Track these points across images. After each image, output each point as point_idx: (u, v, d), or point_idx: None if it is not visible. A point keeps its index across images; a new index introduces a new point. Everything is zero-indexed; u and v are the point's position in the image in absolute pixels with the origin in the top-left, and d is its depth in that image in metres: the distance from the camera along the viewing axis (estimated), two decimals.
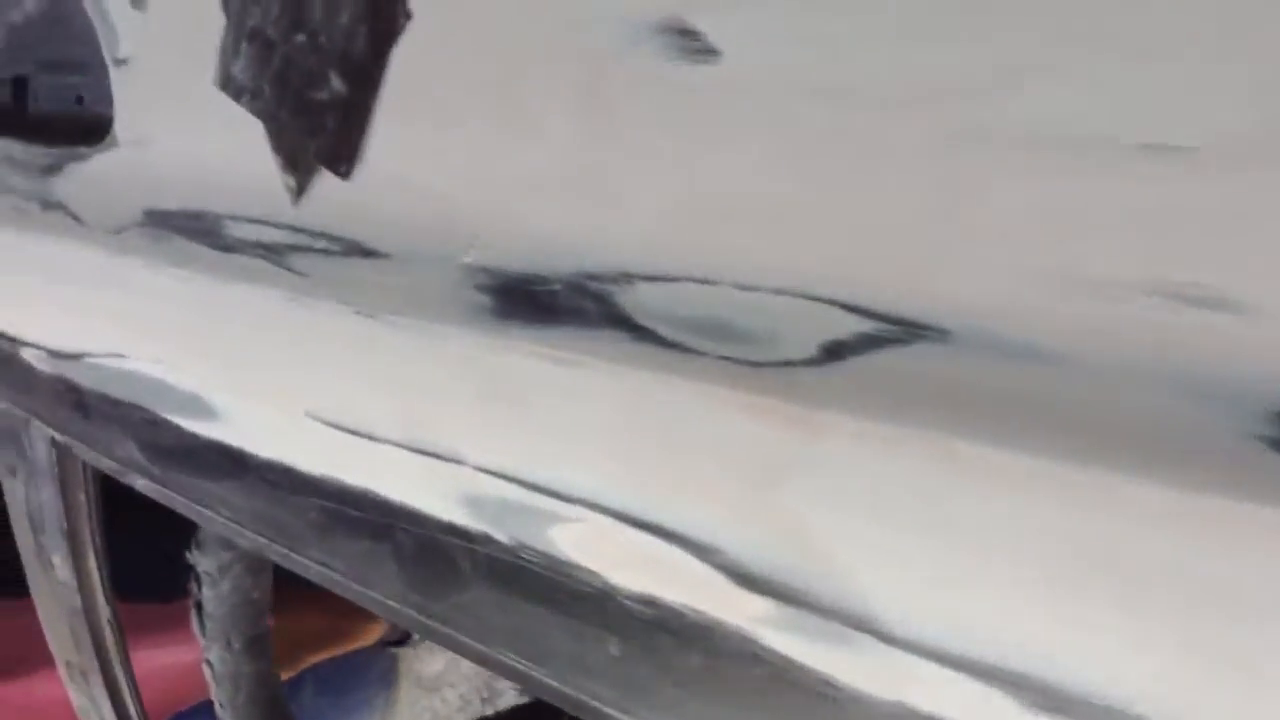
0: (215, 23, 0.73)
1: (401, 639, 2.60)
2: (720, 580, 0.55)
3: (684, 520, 0.55)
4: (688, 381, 0.52)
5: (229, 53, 0.72)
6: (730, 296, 0.50)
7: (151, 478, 1.03)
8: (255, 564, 1.23)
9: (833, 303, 0.46)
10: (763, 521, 0.52)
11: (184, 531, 1.49)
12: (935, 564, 0.47)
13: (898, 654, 0.49)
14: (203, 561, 1.21)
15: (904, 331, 0.45)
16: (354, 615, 2.28)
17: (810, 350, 0.47)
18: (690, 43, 0.49)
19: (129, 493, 1.31)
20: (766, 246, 0.48)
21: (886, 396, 0.46)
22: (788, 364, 0.48)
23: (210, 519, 0.98)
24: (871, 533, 0.48)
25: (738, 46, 0.48)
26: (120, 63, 0.83)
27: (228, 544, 1.21)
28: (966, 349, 0.43)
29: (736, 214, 0.49)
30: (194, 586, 1.24)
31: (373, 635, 2.46)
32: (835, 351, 0.47)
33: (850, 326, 0.46)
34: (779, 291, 0.48)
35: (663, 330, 0.53)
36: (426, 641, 2.55)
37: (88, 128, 0.92)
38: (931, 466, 0.45)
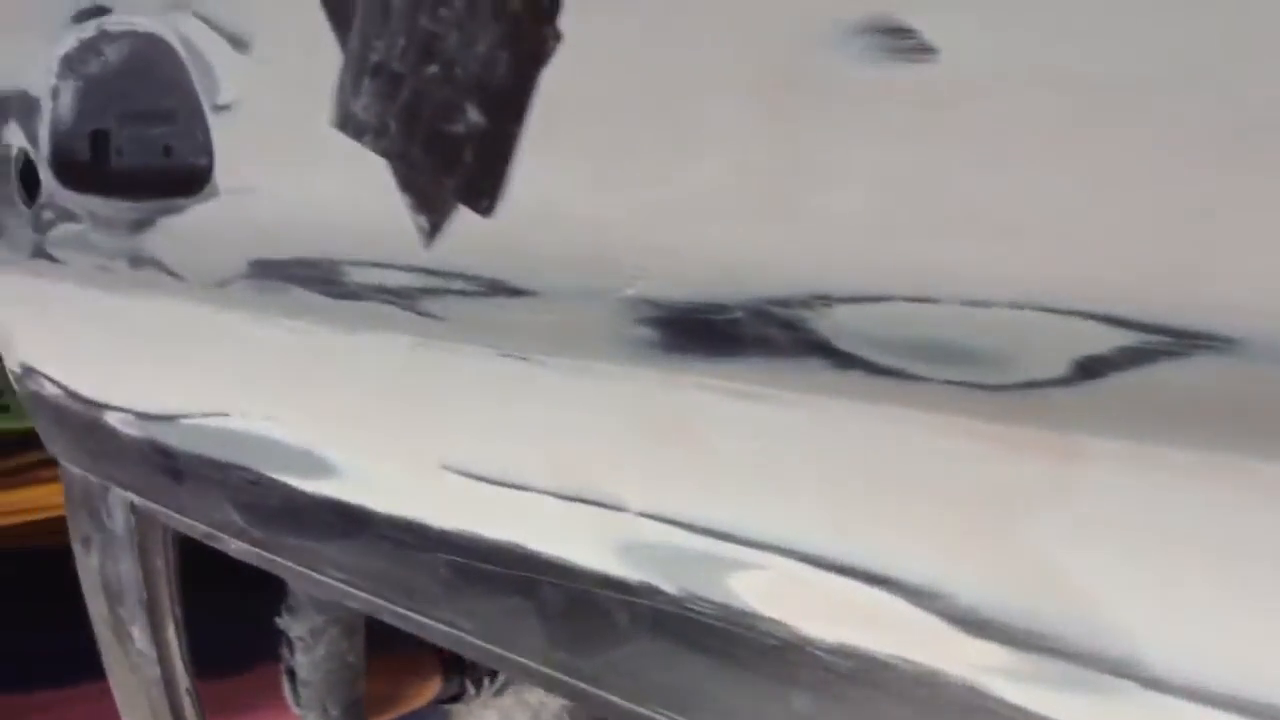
0: (330, 60, 0.70)
1: (455, 696, 2.55)
2: (940, 626, 0.50)
3: (895, 563, 0.51)
4: (904, 410, 0.48)
5: (348, 90, 0.69)
6: (956, 314, 0.45)
7: (250, 540, 0.99)
8: (349, 627, 1.18)
9: (1086, 315, 0.42)
10: (998, 560, 0.47)
11: (238, 605, 1.45)
12: (1215, 597, 0.42)
13: (1166, 700, 0.44)
14: (294, 627, 1.17)
15: (1178, 343, 0.40)
16: (412, 677, 2.24)
17: (1059, 369, 0.43)
18: (901, 41, 0.45)
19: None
20: (1000, 257, 0.44)
21: (1157, 415, 0.41)
22: (1031, 385, 0.44)
23: (316, 581, 0.94)
24: (1136, 566, 0.44)
25: (959, 41, 0.44)
26: (221, 109, 0.80)
27: (321, 607, 1.17)
28: (1260, 358, 0.38)
29: (961, 223, 0.45)
30: (285, 653, 1.19)
31: (429, 695, 2.41)
32: (1091, 369, 0.42)
33: (1110, 340, 0.42)
34: (1017, 305, 0.44)
35: (871, 355, 0.49)
36: (480, 698, 2.49)
37: (179, 179, 0.89)
38: (1216, 489, 0.41)
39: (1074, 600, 0.45)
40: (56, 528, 2.45)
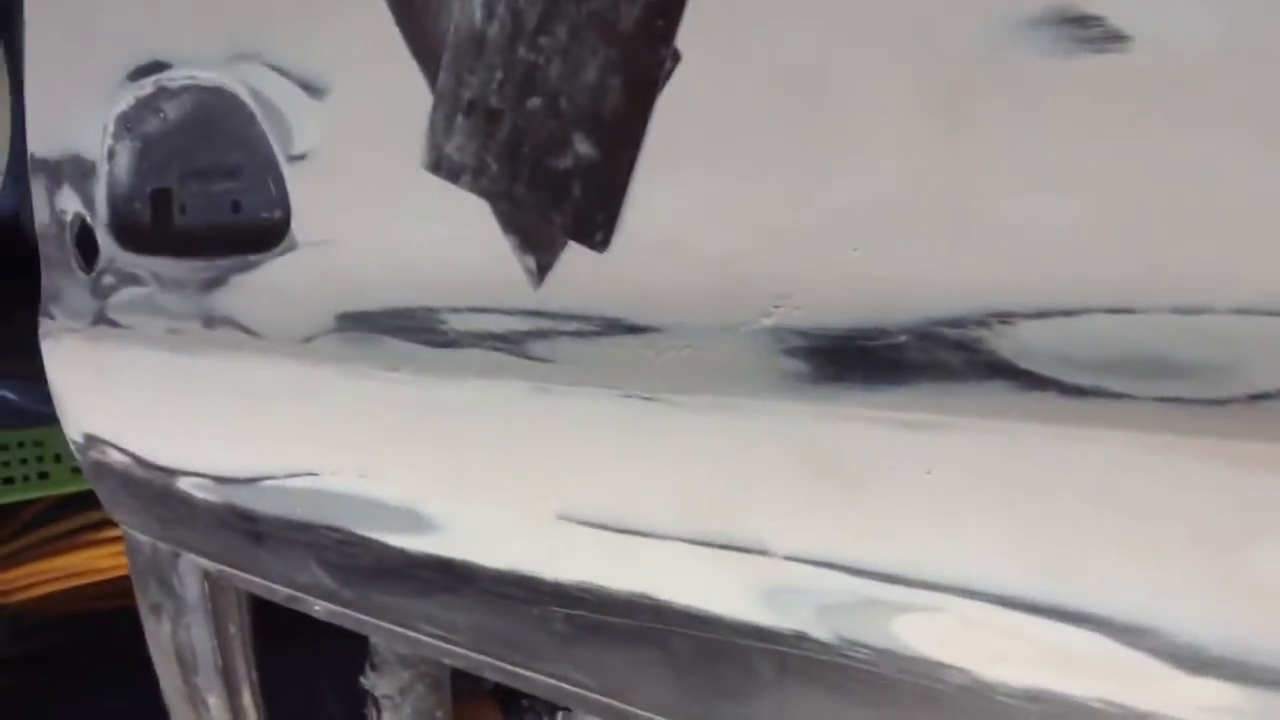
0: (417, 100, 0.67)
1: None
2: (1153, 665, 0.46)
3: (1098, 599, 0.46)
4: (1107, 431, 0.44)
5: (440, 131, 0.66)
6: (1164, 325, 0.42)
7: (338, 601, 0.95)
8: (436, 682, 1.14)
9: None
10: (1227, 590, 0.43)
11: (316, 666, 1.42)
12: None
13: None
14: (380, 685, 1.13)
15: None
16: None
17: None
18: (1086, 31, 0.41)
19: None
20: (1217, 258, 0.40)
21: None
22: (1262, 397, 0.40)
23: (410, 640, 0.91)
24: None
25: (1155, 26, 0.40)
26: (296, 159, 0.77)
27: (408, 663, 1.13)
28: None
29: (1169, 223, 0.41)
30: (371, 712, 1.15)
31: None
32: None
33: None
34: (1241, 310, 0.40)
35: (1063, 375, 0.45)
36: None
37: (251, 234, 0.86)
38: None
39: None
40: (101, 592, 2.43)
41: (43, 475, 2.43)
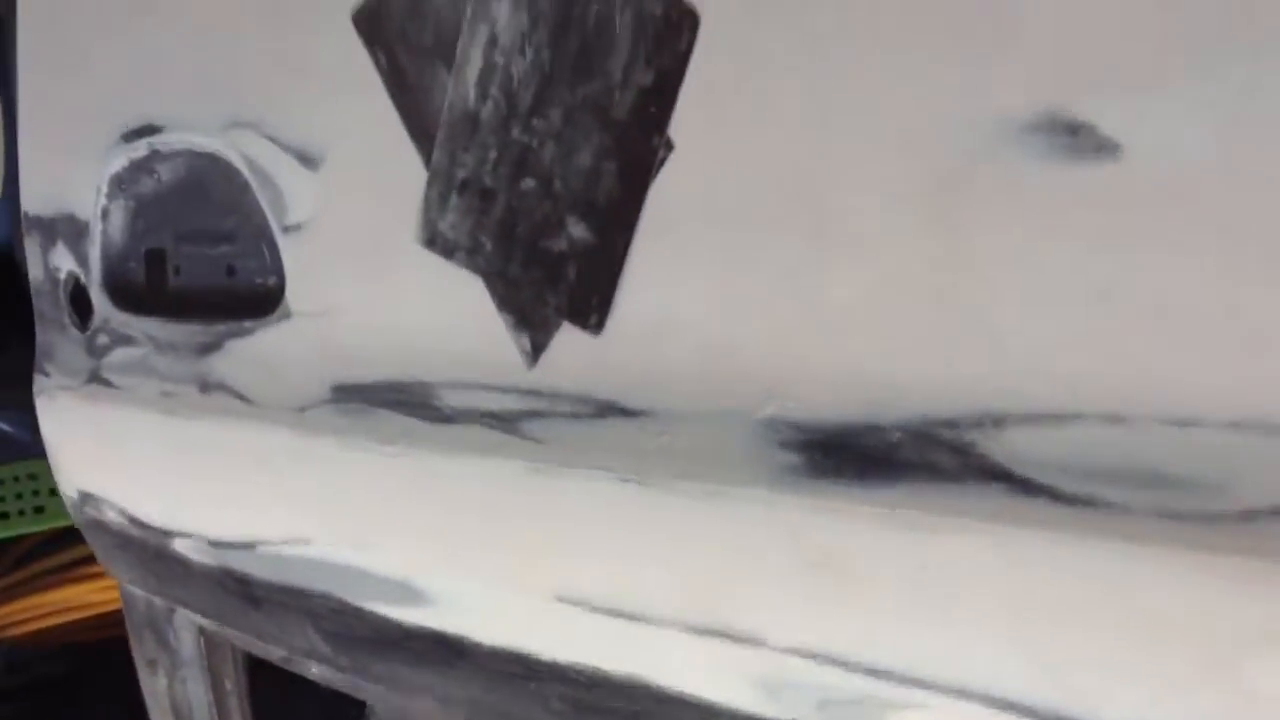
0: (411, 175, 0.67)
1: None
2: None
3: (1096, 708, 0.46)
4: (1100, 541, 0.43)
5: (434, 207, 0.65)
6: (1158, 436, 0.41)
7: (335, 667, 0.95)
8: None
9: None
10: (1221, 703, 0.42)
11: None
12: None
13: None
14: None
15: None
16: None
17: None
18: (1077, 140, 0.41)
19: None
20: (1210, 372, 0.40)
21: None
22: (1254, 514, 0.40)
23: (408, 708, 0.90)
24: None
25: (1145, 138, 0.40)
26: (291, 229, 0.77)
27: None
28: None
29: (1159, 334, 0.41)
30: None
31: None
32: None
33: None
34: (1234, 425, 0.39)
35: (1056, 482, 0.44)
36: None
37: (246, 300, 0.86)
38: None
39: None
40: (97, 624, 2.42)
41: (38, 510, 2.41)
